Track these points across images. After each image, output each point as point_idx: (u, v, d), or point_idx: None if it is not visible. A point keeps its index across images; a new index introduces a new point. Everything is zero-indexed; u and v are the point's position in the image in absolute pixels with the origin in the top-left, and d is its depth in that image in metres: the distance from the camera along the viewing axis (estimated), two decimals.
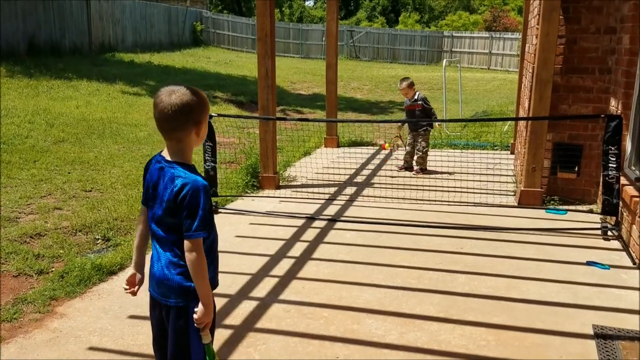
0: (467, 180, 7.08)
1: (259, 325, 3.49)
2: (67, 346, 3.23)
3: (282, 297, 3.88)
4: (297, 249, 4.76)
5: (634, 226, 4.55)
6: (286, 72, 22.12)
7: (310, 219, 5.56)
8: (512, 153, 8.63)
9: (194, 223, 2.12)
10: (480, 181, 7.04)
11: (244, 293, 3.93)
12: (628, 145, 5.41)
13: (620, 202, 4.99)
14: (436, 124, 7.52)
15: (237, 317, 3.59)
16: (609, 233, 5.06)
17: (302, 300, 3.82)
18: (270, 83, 6.46)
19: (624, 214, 4.93)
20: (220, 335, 3.35)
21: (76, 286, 3.95)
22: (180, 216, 2.14)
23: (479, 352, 3.19)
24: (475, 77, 23.99)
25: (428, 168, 7.65)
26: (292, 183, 7.05)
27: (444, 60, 13.86)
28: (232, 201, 6.17)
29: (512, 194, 6.47)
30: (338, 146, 9.36)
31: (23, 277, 4.13)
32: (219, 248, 4.96)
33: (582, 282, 4.12)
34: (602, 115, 5.33)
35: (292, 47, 32.35)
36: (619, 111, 5.41)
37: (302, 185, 6.93)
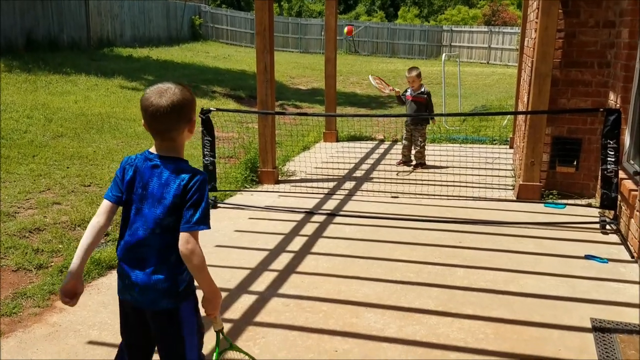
0: (466, 174, 7.09)
1: (258, 319, 3.50)
2: (66, 340, 3.24)
3: (281, 291, 3.89)
4: (296, 244, 4.77)
5: (632, 220, 4.56)
6: (285, 67, 22.08)
7: (310, 213, 5.57)
8: (511, 147, 8.63)
9: (195, 214, 2.08)
10: (479, 175, 7.04)
11: (243, 287, 3.94)
12: (627, 139, 5.41)
13: (619, 196, 5.00)
14: (431, 120, 7.48)
15: (236, 311, 3.60)
16: (608, 227, 5.07)
17: (301, 294, 3.83)
18: (269, 78, 6.45)
19: (623, 207, 4.93)
20: None
21: None
22: (181, 211, 2.10)
23: (478, 345, 3.20)
24: (475, 72, 23.97)
25: (427, 162, 7.64)
26: (291, 178, 7.05)
27: (443, 55, 13.84)
28: (231, 196, 6.17)
29: (511, 188, 6.47)
30: (337, 141, 9.35)
31: (22, 271, 4.13)
32: (219, 242, 4.98)
33: (581, 275, 4.13)
34: (601, 109, 5.33)
35: (291, 42, 32.28)
36: (618, 105, 5.41)
37: (301, 180, 6.93)
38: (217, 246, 4.72)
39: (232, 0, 40.42)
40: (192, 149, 8.31)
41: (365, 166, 7.70)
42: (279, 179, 6.87)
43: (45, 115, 9.62)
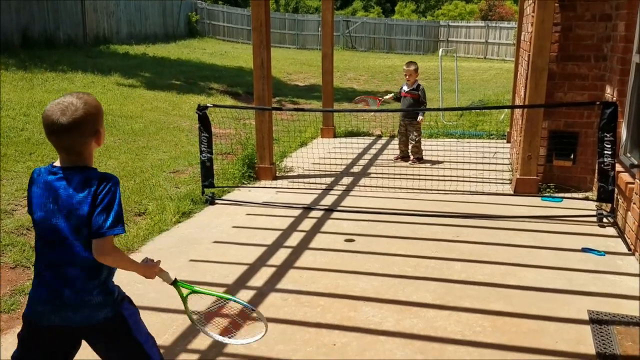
0: (464, 169, 7.09)
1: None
2: None
3: (279, 286, 3.89)
4: (294, 239, 4.77)
5: (629, 213, 4.57)
6: (282, 63, 22.04)
7: (307, 209, 5.57)
8: (508, 142, 8.64)
9: (108, 219, 1.99)
10: (476, 170, 7.05)
11: (241, 283, 3.95)
12: (623, 132, 5.42)
13: (616, 189, 5.01)
14: (420, 115, 7.48)
15: (235, 306, 3.60)
16: (605, 220, 5.09)
17: (299, 289, 3.84)
18: (266, 73, 6.45)
19: (620, 200, 4.95)
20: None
21: None
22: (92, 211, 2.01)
23: (475, 338, 3.21)
24: (472, 67, 23.96)
25: (425, 157, 7.65)
26: (289, 174, 7.06)
27: (440, 50, 13.84)
28: (228, 192, 6.17)
29: (508, 182, 6.48)
30: (334, 136, 9.35)
31: (20, 268, 4.13)
32: (217, 238, 4.98)
33: (578, 268, 4.14)
34: (598, 103, 5.33)
35: (288, 38, 32.21)
36: (615, 98, 5.42)
37: (299, 176, 6.93)
38: (215, 242, 4.72)
39: None
40: (189, 146, 8.32)
41: (362, 162, 7.70)
42: (277, 175, 6.87)
43: (42, 112, 9.59)
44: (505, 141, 8.85)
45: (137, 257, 4.43)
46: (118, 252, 2.11)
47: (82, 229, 2.02)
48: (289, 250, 4.52)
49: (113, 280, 2.20)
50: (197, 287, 2.46)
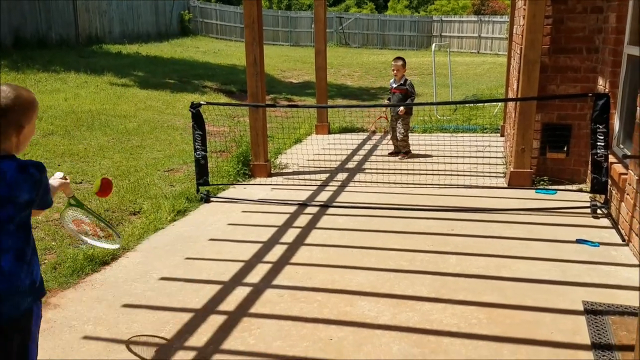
0: (458, 163, 7.11)
1: (253, 310, 3.52)
2: (61, 336, 3.25)
3: (275, 282, 3.90)
4: (290, 235, 4.78)
5: (622, 203, 4.60)
6: (276, 61, 22.01)
7: (303, 205, 5.58)
8: (502, 135, 8.66)
9: (47, 195, 2.14)
10: (470, 164, 7.07)
11: (237, 279, 3.95)
12: (616, 123, 5.45)
13: (609, 180, 5.04)
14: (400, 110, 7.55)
15: (231, 303, 3.61)
16: (599, 211, 5.11)
17: (295, 285, 3.85)
18: (259, 70, 6.44)
19: (613, 191, 4.97)
20: (215, 321, 3.38)
21: (69, 277, 3.95)
22: (35, 202, 2.07)
23: (471, 330, 3.23)
24: (465, 61, 23.98)
25: (419, 152, 7.67)
26: (284, 170, 7.06)
27: (434, 45, 13.85)
28: (223, 190, 6.17)
29: (502, 175, 6.50)
30: (329, 133, 9.35)
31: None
32: (212, 236, 4.98)
33: (572, 259, 4.16)
34: (590, 95, 5.35)
35: (281, 35, 32.15)
36: (607, 90, 5.44)
37: (294, 173, 6.93)
38: (211, 240, 4.72)
39: None
40: (183, 144, 8.30)
41: (357, 157, 7.71)
42: (272, 172, 6.87)
43: None
44: (499, 135, 8.88)
45: (133, 256, 4.45)
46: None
47: (19, 215, 2.03)
48: (284, 247, 4.52)
49: (38, 267, 2.17)
50: (86, 208, 2.67)
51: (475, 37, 30.17)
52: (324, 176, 6.70)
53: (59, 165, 6.85)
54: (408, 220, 5.10)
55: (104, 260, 4.24)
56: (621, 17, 5.27)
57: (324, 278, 3.94)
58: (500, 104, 10.53)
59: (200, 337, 3.22)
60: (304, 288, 3.80)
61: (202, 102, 5.99)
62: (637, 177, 4.20)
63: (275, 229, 4.93)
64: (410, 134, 7.92)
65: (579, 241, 4.50)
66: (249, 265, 4.17)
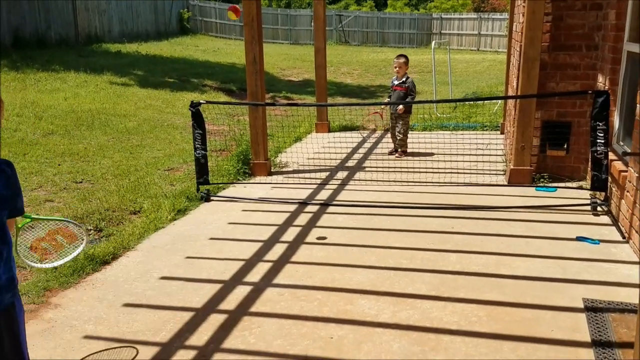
0: (458, 161, 7.11)
1: (253, 309, 3.52)
2: (62, 335, 3.25)
3: (275, 281, 3.90)
4: (290, 234, 4.78)
5: (622, 201, 4.60)
6: (275, 59, 21.99)
7: (303, 204, 5.58)
8: (502, 133, 8.66)
9: (19, 197, 2.13)
10: (470, 162, 7.07)
11: (238, 278, 3.95)
12: (616, 120, 5.45)
13: (609, 178, 5.04)
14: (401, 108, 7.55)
15: (231, 302, 3.61)
16: (599, 208, 5.11)
17: (295, 283, 3.85)
18: (259, 69, 6.44)
19: (613, 189, 4.97)
20: (215, 320, 3.39)
21: (70, 276, 3.96)
22: (9, 202, 2.07)
23: (471, 327, 3.23)
24: (465, 59, 23.96)
25: (419, 150, 7.67)
26: (284, 169, 7.06)
27: (433, 43, 13.83)
28: (224, 189, 6.17)
29: (502, 173, 6.50)
30: (329, 131, 9.35)
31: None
32: (213, 235, 4.98)
33: (572, 257, 4.16)
34: (590, 92, 5.35)
35: (280, 34, 32.12)
36: (606, 87, 5.44)
37: (294, 171, 6.93)
38: (212, 239, 4.73)
39: None
40: (183, 143, 8.31)
41: (357, 156, 7.71)
42: (272, 170, 6.87)
43: (35, 113, 9.56)
44: (499, 132, 8.88)
45: (134, 255, 4.45)
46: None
47: (2, 211, 2.07)
48: (285, 245, 4.53)
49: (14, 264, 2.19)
50: (36, 216, 2.56)
51: (475, 35, 30.14)
52: (324, 174, 6.70)
53: (59, 165, 6.85)
54: (408, 219, 5.10)
55: (105, 259, 4.24)
56: (620, 14, 5.26)
57: (324, 276, 3.95)
58: (500, 101, 10.53)
59: (201, 336, 3.22)
60: (304, 287, 3.80)
61: (201, 101, 5.99)
62: (637, 175, 4.20)
63: (276, 227, 4.94)
64: (410, 132, 7.91)
65: (579, 238, 4.50)
66: (249, 264, 4.18)
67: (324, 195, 5.89)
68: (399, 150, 7.62)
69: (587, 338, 3.10)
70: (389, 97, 7.94)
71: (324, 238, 4.66)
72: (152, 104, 11.76)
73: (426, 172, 6.56)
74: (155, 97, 12.47)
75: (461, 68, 20.78)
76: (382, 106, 8.80)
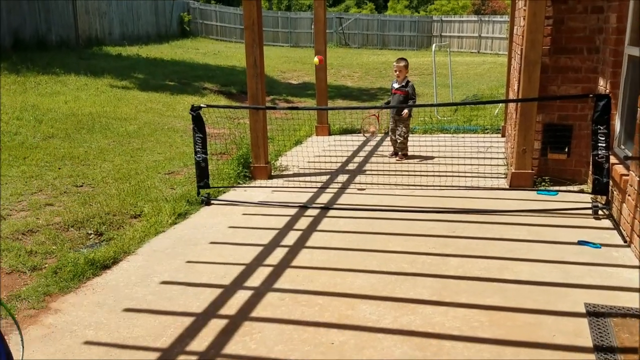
0: (459, 164, 7.10)
1: (254, 314, 3.51)
2: (62, 341, 3.24)
3: (276, 285, 3.89)
4: (291, 238, 4.77)
5: (624, 204, 4.59)
6: (276, 62, 22.01)
7: (303, 207, 5.57)
8: (503, 136, 8.65)
9: None
10: (471, 165, 7.06)
11: (238, 283, 3.94)
12: (617, 124, 5.44)
13: (611, 181, 5.02)
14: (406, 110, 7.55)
15: (232, 306, 3.60)
16: (600, 212, 5.10)
17: (296, 288, 3.84)
18: (259, 72, 6.43)
19: (614, 192, 4.96)
20: (216, 325, 3.37)
21: (70, 281, 3.94)
22: None
23: (473, 333, 3.22)
24: (465, 61, 23.98)
25: (420, 153, 7.66)
26: (284, 172, 7.05)
27: (434, 45, 13.84)
28: (224, 192, 6.16)
29: (504, 176, 6.49)
30: (329, 134, 9.34)
31: (16, 273, 4.12)
32: (213, 239, 4.97)
33: (574, 261, 4.15)
34: (591, 95, 5.33)
35: (281, 36, 32.16)
36: (608, 90, 5.43)
37: (294, 175, 6.92)
38: (212, 243, 4.71)
39: None
40: (184, 147, 8.30)
41: (358, 159, 7.70)
42: (272, 174, 6.86)
43: (35, 116, 9.56)
44: (500, 135, 8.87)
45: (134, 259, 4.44)
46: None
47: None
48: (285, 250, 4.51)
49: None
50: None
51: (475, 37, 30.17)
52: (324, 178, 6.69)
53: (59, 169, 6.85)
54: (409, 222, 5.09)
55: (105, 264, 4.23)
56: (621, 17, 5.26)
57: (325, 281, 3.93)
58: (500, 104, 10.52)
59: (202, 342, 3.21)
60: (305, 291, 3.79)
61: (202, 105, 5.98)
62: (638, 179, 4.18)
63: (276, 231, 4.93)
64: (410, 135, 7.91)
65: (580, 242, 4.48)
66: (249, 269, 4.17)
67: (324, 198, 5.88)
68: (400, 153, 7.62)
69: (589, 343, 3.08)
70: (387, 102, 7.96)
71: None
72: (153, 107, 11.76)
73: (427, 175, 6.55)
74: (155, 100, 12.47)
75: (462, 70, 20.79)
76: (378, 110, 8.79)
